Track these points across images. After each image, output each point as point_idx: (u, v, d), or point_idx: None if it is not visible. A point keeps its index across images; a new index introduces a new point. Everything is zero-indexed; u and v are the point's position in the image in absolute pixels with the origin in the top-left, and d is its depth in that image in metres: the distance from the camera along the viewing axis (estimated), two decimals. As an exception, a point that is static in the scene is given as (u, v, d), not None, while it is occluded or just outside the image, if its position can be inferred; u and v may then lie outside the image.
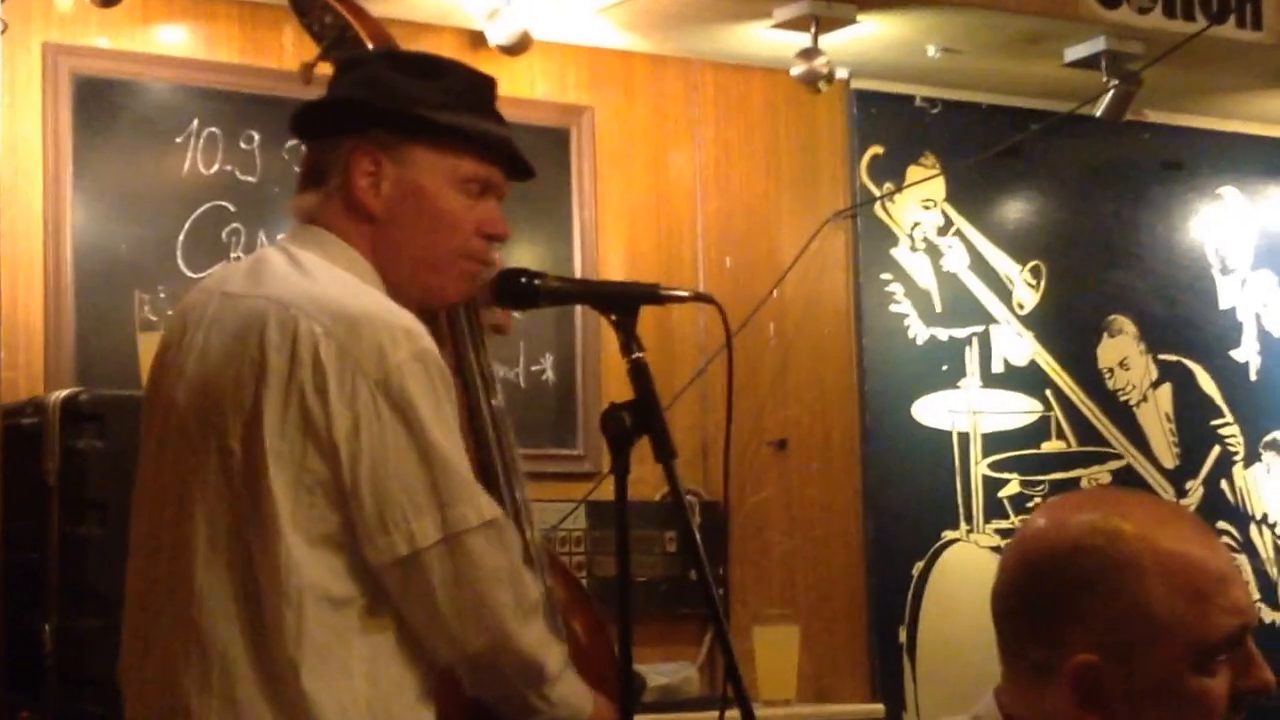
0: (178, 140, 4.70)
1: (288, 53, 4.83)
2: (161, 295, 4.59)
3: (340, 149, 2.47)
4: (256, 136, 4.78)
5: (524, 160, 2.59)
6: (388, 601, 2.36)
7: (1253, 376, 6.23)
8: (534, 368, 5.09)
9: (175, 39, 4.76)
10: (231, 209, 4.73)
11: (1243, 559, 6.01)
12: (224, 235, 4.72)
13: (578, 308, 5.09)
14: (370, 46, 2.93)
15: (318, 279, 2.41)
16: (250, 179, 4.77)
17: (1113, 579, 1.72)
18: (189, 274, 4.62)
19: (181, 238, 4.67)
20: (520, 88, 5.06)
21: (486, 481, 2.71)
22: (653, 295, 2.50)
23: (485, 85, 2.59)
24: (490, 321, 2.88)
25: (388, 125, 2.47)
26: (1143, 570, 1.72)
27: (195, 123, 4.72)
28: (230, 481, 2.34)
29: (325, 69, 2.94)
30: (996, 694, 1.82)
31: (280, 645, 2.30)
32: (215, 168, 4.73)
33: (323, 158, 2.51)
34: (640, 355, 2.39)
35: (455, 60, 2.68)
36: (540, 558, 2.77)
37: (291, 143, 4.78)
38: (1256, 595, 6.01)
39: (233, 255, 4.69)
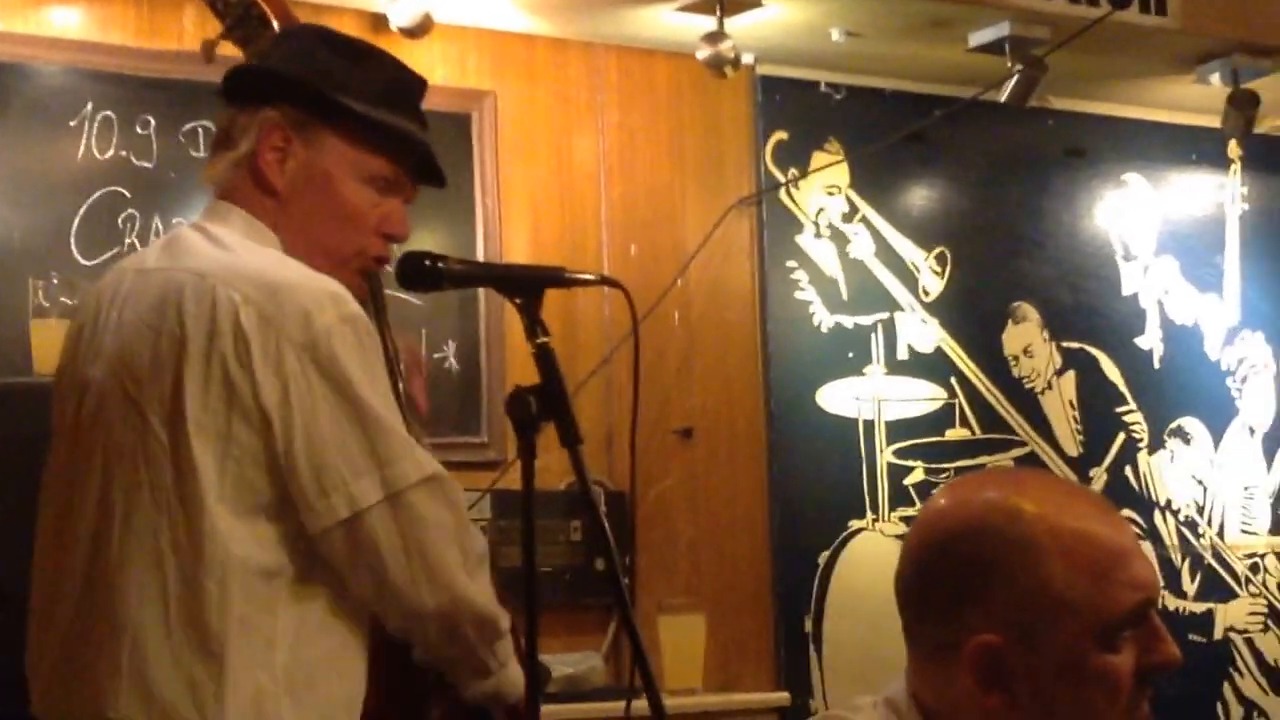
0: (71, 125, 4.64)
1: (186, 35, 4.78)
2: (55, 282, 4.52)
3: (255, 117, 2.47)
4: (153, 121, 4.73)
5: (437, 167, 2.59)
6: (318, 572, 2.35)
7: (1156, 364, 6.27)
8: (437, 355, 5.06)
9: (69, 21, 4.70)
10: (127, 195, 4.68)
11: (1147, 546, 6.06)
12: (119, 221, 4.66)
13: (480, 294, 5.08)
14: (275, 25, 2.90)
15: (236, 251, 2.40)
16: (146, 164, 4.72)
17: (1013, 558, 1.71)
18: (83, 261, 4.58)
19: (76, 224, 4.61)
20: (420, 70, 4.98)
21: None
22: (557, 278, 2.48)
23: (415, 84, 2.59)
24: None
25: (308, 105, 2.47)
26: (1043, 549, 1.71)
27: (89, 106, 4.66)
28: (151, 457, 2.32)
29: (228, 49, 2.95)
30: (907, 676, 1.82)
31: (202, 619, 2.28)
32: (110, 153, 4.68)
33: (237, 122, 2.50)
34: (545, 339, 2.38)
35: (392, 55, 2.66)
36: None
37: (189, 126, 4.76)
38: (1161, 582, 6.05)
39: (128, 241, 4.64)
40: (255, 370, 2.29)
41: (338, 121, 2.46)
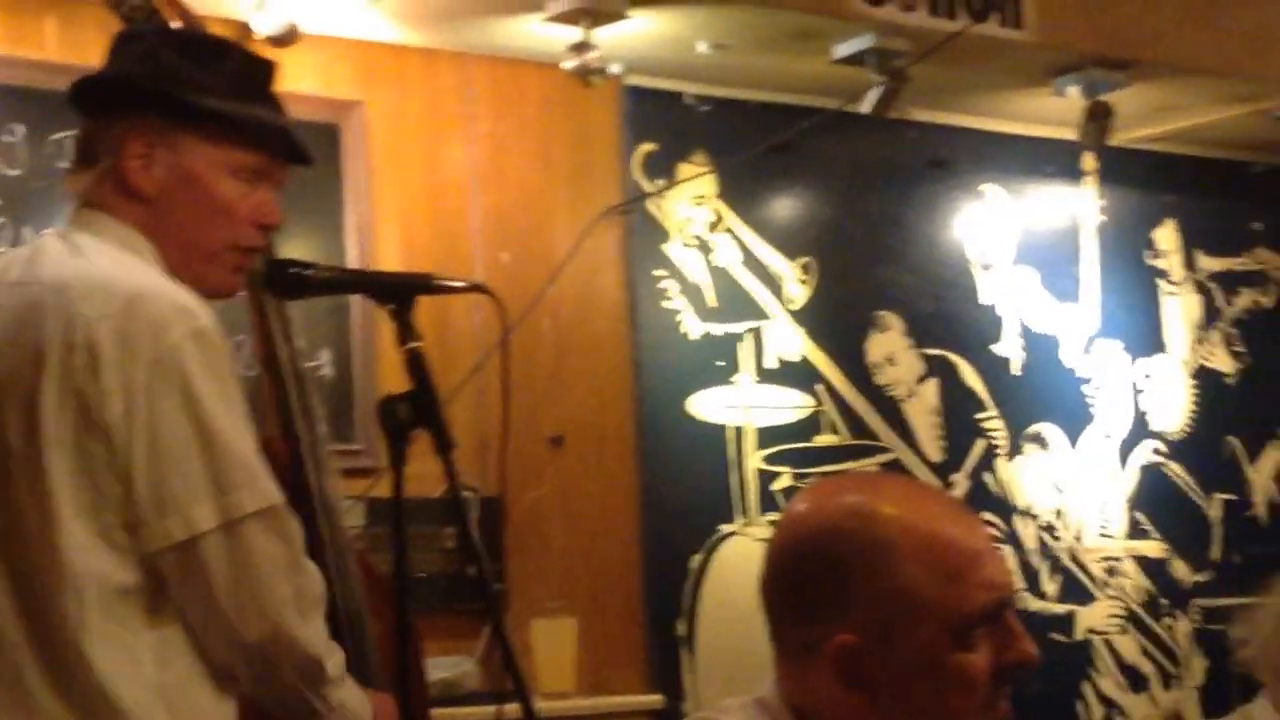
0: (-63, 134, 4.60)
1: (50, 44, 4.75)
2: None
3: (113, 129, 2.46)
4: (20, 129, 4.69)
5: (302, 148, 2.58)
6: None
7: (1015, 370, 6.36)
8: (311, 364, 5.01)
9: (-69, 29, 4.65)
10: (-4, 203, 4.63)
11: (1007, 550, 6.17)
12: (-11, 230, 4.62)
13: (353, 302, 5.08)
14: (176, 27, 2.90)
15: (95, 261, 2.38)
16: (15, 172, 4.68)
17: (868, 559, 1.74)
18: (-51, 270, 4.52)
19: (-58, 232, 4.56)
20: (288, 81, 4.98)
21: (297, 474, 2.70)
22: (427, 285, 2.51)
23: (263, 69, 2.58)
24: None
25: (160, 110, 2.46)
26: (897, 550, 1.74)
27: (-45, 116, 4.61)
28: (8, 472, 2.32)
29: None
30: (776, 676, 1.84)
31: (62, 633, 2.27)
32: (-24, 162, 4.63)
33: (95, 136, 2.49)
34: (416, 345, 2.41)
35: (236, 43, 2.66)
36: (349, 551, 2.75)
37: (57, 135, 4.72)
38: (1021, 585, 6.16)
39: (-1, 250, 4.60)
40: (103, 384, 2.28)
41: (196, 122, 2.46)
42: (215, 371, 2.33)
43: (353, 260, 5.08)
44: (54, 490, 2.28)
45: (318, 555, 2.53)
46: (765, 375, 5.83)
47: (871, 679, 1.75)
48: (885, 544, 1.74)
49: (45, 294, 2.34)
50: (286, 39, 4.73)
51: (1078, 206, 6.63)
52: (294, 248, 4.82)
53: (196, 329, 2.32)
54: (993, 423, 6.27)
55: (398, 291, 2.47)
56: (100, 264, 2.38)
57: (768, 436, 5.81)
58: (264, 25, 4.75)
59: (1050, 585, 6.33)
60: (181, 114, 2.45)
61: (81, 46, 4.71)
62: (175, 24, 2.90)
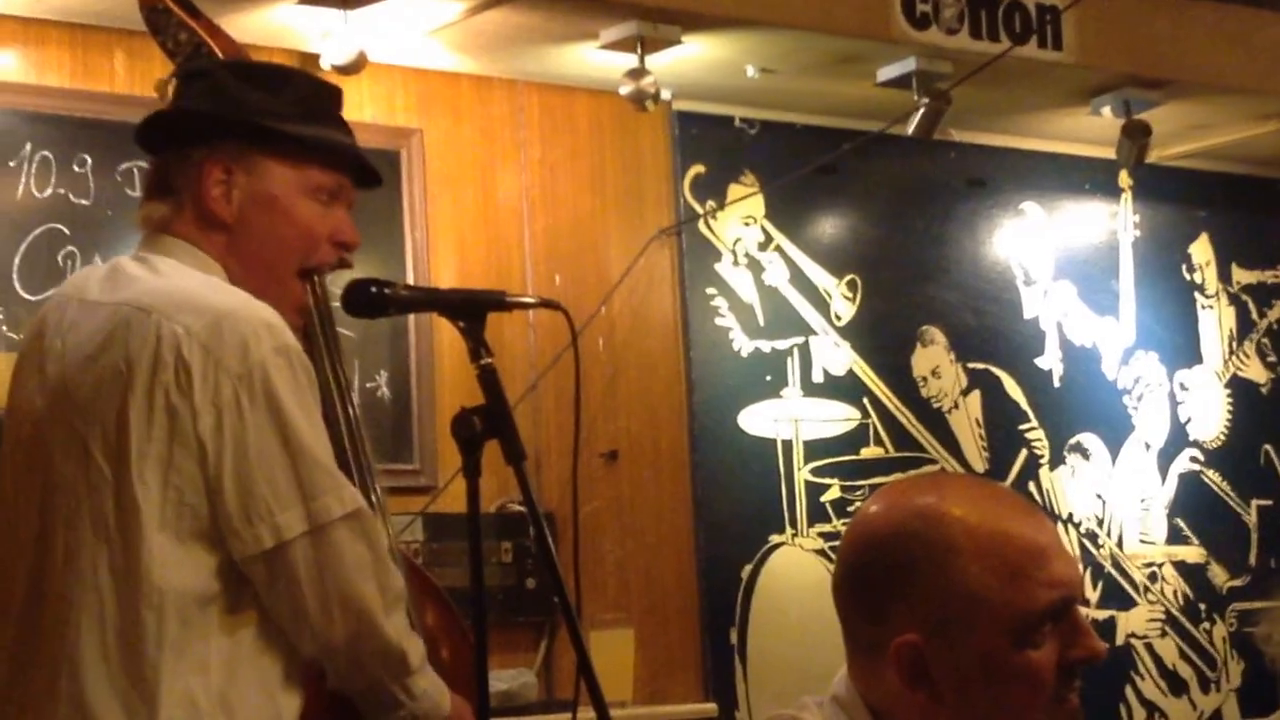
0: (11, 164, 4.69)
1: (119, 76, 4.85)
2: (0, 317, 4.58)
3: (190, 160, 2.49)
4: (89, 160, 4.78)
5: (371, 167, 2.63)
6: (252, 596, 2.38)
7: (1056, 383, 6.44)
8: (369, 384, 5.12)
9: (6, 64, 4.75)
10: (66, 232, 4.73)
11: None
12: (59, 258, 4.71)
13: (411, 324, 5.15)
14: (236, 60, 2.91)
15: (179, 281, 2.42)
16: (84, 202, 4.77)
17: (931, 559, 1.75)
18: (26, 296, 4.63)
19: (17, 261, 4.66)
20: (349, 111, 5.08)
21: None
22: (500, 302, 2.51)
23: (330, 94, 2.62)
24: None
25: (236, 136, 2.49)
26: (958, 550, 1.75)
27: (28, 147, 4.71)
28: (93, 488, 2.34)
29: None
30: (850, 673, 1.86)
31: (140, 648, 2.31)
32: (49, 191, 4.73)
33: (171, 169, 2.52)
34: (489, 361, 2.41)
35: (299, 69, 2.74)
36: (395, 553, 2.80)
37: (124, 165, 4.79)
38: (1083, 578, 6.19)
39: (68, 277, 4.66)
40: (195, 399, 2.30)
41: (272, 146, 2.48)
42: (298, 385, 2.36)
43: (410, 281, 5.13)
44: (140, 504, 2.30)
45: None
46: (813, 390, 5.92)
47: (934, 678, 1.76)
48: (948, 544, 1.75)
49: (131, 313, 2.36)
50: (354, 67, 4.81)
51: (1115, 222, 6.71)
52: (354, 270, 4.92)
53: (281, 345, 2.36)
54: (1035, 433, 6.36)
55: (470, 309, 2.46)
56: (185, 283, 2.42)
57: (816, 449, 5.90)
58: (333, 54, 4.82)
59: (1093, 591, 6.40)
60: (258, 139, 2.48)
61: (148, 79, 4.78)
62: (221, 56, 2.90)
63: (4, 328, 4.55)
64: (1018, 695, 1.76)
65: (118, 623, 2.32)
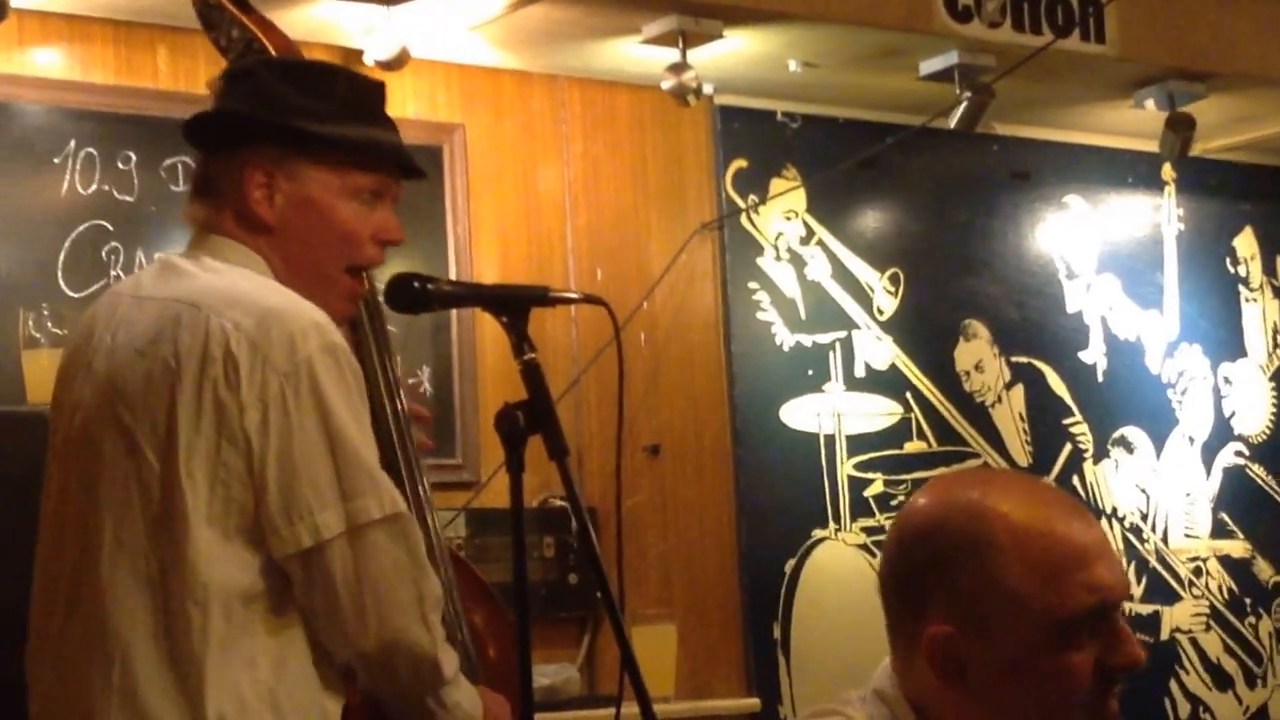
0: (55, 161, 4.71)
1: (162, 73, 4.87)
2: (45, 313, 4.60)
3: (232, 163, 2.51)
4: (133, 156, 4.80)
5: (414, 164, 2.63)
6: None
7: (1100, 377, 6.43)
8: (411, 380, 5.11)
9: (50, 61, 4.77)
10: (110, 228, 4.75)
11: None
12: (103, 254, 4.73)
13: (454, 320, 5.16)
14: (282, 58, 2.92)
15: (229, 279, 2.44)
16: (128, 198, 4.78)
17: (970, 554, 1.75)
18: (70, 293, 4.65)
19: (62, 257, 4.68)
20: (393, 107, 5.09)
21: (393, 479, 2.75)
22: (543, 297, 2.52)
23: (373, 90, 2.63)
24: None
25: (277, 140, 2.50)
26: (999, 547, 1.74)
27: (72, 144, 4.73)
28: (141, 481, 2.36)
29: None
30: (893, 666, 1.87)
31: (186, 642, 2.32)
32: (93, 188, 4.75)
33: (214, 170, 2.55)
34: (533, 356, 2.41)
35: (343, 67, 2.72)
36: (443, 550, 2.82)
37: (168, 161, 4.82)
38: (1129, 583, 6.17)
39: (112, 274, 4.70)
40: (242, 395, 2.32)
41: (312, 149, 2.49)
42: (344, 385, 2.38)
43: (452, 276, 5.16)
44: (187, 498, 2.32)
45: None
46: (855, 384, 5.91)
47: (968, 673, 1.76)
48: (988, 541, 1.75)
49: (180, 309, 2.39)
50: (397, 63, 4.82)
51: (1158, 216, 6.69)
52: (396, 265, 4.92)
53: (328, 344, 2.37)
54: (1079, 427, 6.34)
55: (514, 304, 2.46)
56: (236, 281, 2.44)
57: (859, 444, 5.89)
58: (376, 50, 4.84)
59: (1137, 586, 6.39)
60: (298, 143, 2.49)
61: (191, 75, 4.84)
62: (274, 52, 2.92)
63: (49, 324, 4.57)
64: (1052, 696, 1.75)
65: (164, 617, 2.34)
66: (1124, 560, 6.35)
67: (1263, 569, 6.71)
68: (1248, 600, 6.65)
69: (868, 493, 5.88)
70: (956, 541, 1.77)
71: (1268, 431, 6.81)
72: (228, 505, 2.34)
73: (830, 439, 5.85)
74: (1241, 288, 6.86)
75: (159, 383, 2.37)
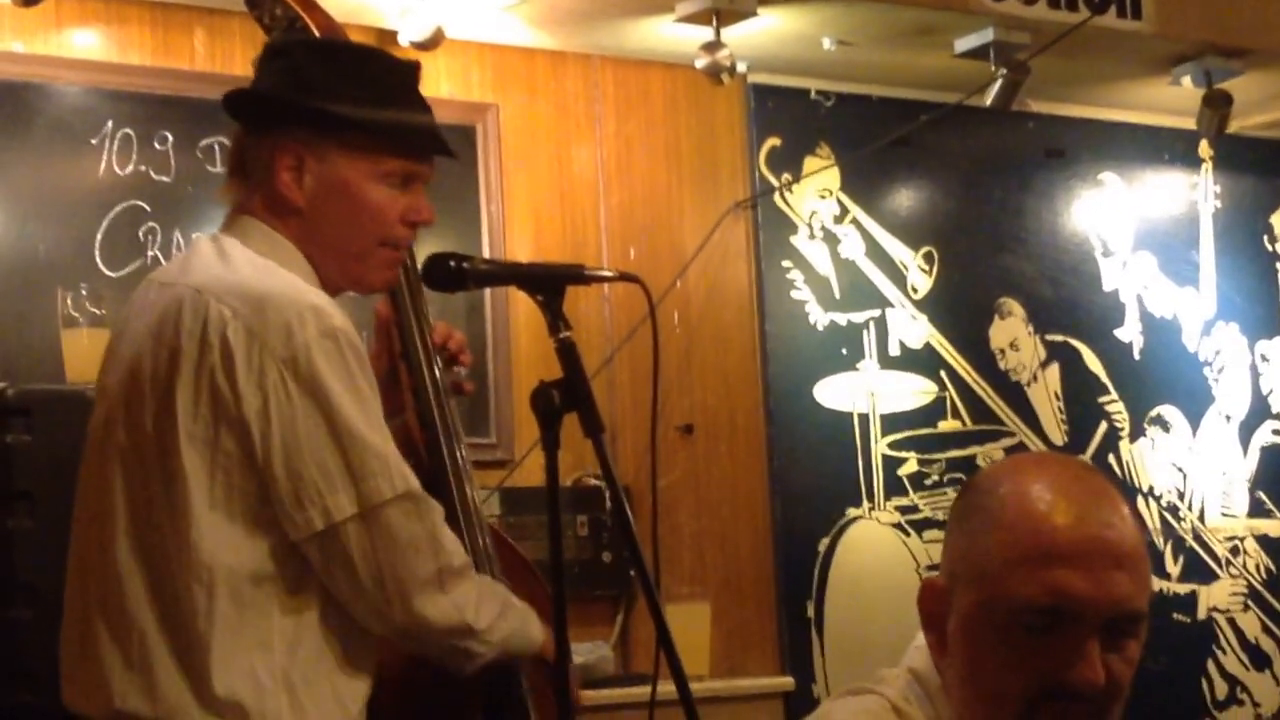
0: (93, 142, 4.73)
1: (198, 54, 4.89)
2: (84, 293, 4.62)
3: (263, 144, 2.55)
4: (170, 137, 4.82)
5: (446, 145, 2.65)
6: (313, 578, 2.43)
7: (1136, 355, 6.41)
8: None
9: (88, 42, 4.79)
10: (147, 208, 4.77)
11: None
12: (140, 234, 4.76)
13: (487, 299, 5.18)
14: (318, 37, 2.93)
15: (236, 266, 2.48)
16: (165, 179, 4.81)
17: (973, 519, 1.78)
18: (108, 272, 4.68)
19: (99, 237, 4.71)
20: (427, 87, 5.10)
21: (434, 459, 2.80)
22: (578, 275, 2.54)
23: (406, 71, 2.65)
24: (450, 380, 2.91)
25: (307, 123, 2.53)
26: (995, 520, 1.75)
27: (110, 124, 4.75)
28: (144, 463, 2.42)
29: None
30: None
31: (192, 624, 2.37)
32: (130, 168, 4.77)
33: (247, 151, 2.58)
34: (568, 334, 2.42)
35: (377, 49, 2.74)
36: (482, 521, 2.83)
37: (205, 142, 4.84)
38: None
39: (149, 254, 4.73)
40: (239, 383, 2.36)
41: (342, 133, 2.52)
42: (345, 368, 2.41)
43: (486, 255, 5.19)
44: (188, 483, 2.37)
45: (456, 534, 2.59)
46: (889, 362, 5.91)
47: (940, 624, 1.79)
48: (989, 510, 1.76)
49: (185, 294, 2.43)
50: (432, 44, 4.84)
51: (1195, 193, 6.67)
52: (430, 244, 4.94)
53: (326, 328, 2.41)
54: (1115, 406, 6.33)
55: (550, 282, 2.47)
56: (240, 268, 2.47)
57: (893, 422, 5.89)
58: (410, 31, 4.86)
59: (1174, 565, 6.38)
60: (328, 126, 2.52)
61: (228, 56, 4.88)
62: (316, 31, 2.92)
63: (87, 303, 4.59)
64: (989, 676, 1.74)
65: (171, 599, 2.38)
66: (1161, 540, 6.32)
67: (1300, 548, 6.69)
68: (1285, 579, 6.64)
69: (901, 471, 5.88)
70: (970, 504, 1.80)
71: (1305, 410, 6.78)
72: (229, 490, 2.38)
73: (864, 418, 5.85)
74: (1279, 265, 6.83)
75: (162, 366, 2.41)
